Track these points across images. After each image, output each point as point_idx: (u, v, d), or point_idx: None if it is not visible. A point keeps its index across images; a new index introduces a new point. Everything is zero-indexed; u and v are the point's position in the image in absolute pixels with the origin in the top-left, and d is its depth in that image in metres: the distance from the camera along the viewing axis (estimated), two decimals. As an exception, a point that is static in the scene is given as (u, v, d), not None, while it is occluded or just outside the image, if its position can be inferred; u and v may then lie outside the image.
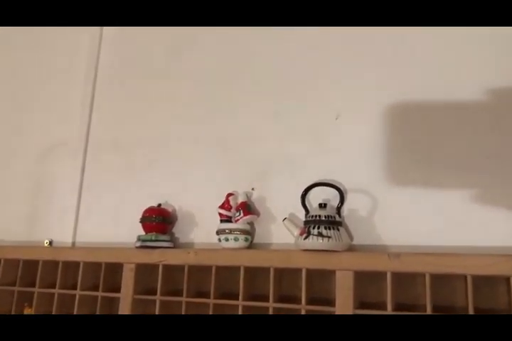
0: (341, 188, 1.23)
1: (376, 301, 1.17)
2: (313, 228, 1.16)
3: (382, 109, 1.31)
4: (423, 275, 1.08)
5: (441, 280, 1.11)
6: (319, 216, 1.18)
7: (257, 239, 1.37)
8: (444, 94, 1.25)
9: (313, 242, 1.14)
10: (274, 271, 1.21)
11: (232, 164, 1.47)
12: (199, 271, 1.36)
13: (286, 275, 1.28)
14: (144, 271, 1.40)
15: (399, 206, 1.23)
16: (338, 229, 1.16)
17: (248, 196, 1.39)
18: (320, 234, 1.14)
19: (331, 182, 1.23)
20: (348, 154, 1.32)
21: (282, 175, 1.39)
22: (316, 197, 1.29)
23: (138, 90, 1.71)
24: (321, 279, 1.24)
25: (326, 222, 1.16)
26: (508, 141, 1.16)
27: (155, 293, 1.34)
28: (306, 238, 1.15)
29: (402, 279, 1.15)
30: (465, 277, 1.06)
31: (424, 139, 1.24)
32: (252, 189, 1.42)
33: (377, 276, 1.17)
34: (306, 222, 1.20)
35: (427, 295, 1.05)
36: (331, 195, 1.28)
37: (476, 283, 1.04)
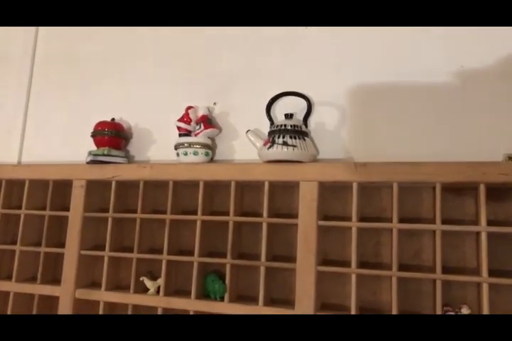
0: (309, 98, 1.16)
1: (341, 214, 1.15)
2: (278, 137, 1.09)
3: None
4: (390, 185, 1.05)
5: (407, 191, 1.08)
6: (285, 125, 1.11)
7: (218, 156, 1.30)
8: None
9: (278, 151, 1.08)
10: (235, 185, 1.16)
11: (192, 78, 1.37)
12: (155, 188, 1.29)
13: (247, 191, 1.23)
14: (95, 189, 1.32)
15: (365, 119, 1.18)
16: (304, 140, 1.10)
17: (210, 110, 1.31)
18: (285, 143, 1.08)
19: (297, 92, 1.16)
20: (315, 65, 1.25)
21: (246, 89, 1.31)
22: (282, 110, 1.22)
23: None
24: (284, 193, 1.20)
25: (291, 131, 1.10)
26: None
27: (107, 212, 1.28)
28: (270, 147, 1.09)
29: (368, 190, 1.13)
30: (433, 187, 1.04)
31: (394, 51, 1.19)
32: (214, 103, 1.33)
33: (343, 188, 1.14)
34: (270, 133, 1.13)
35: (394, 206, 1.03)
36: (297, 108, 1.21)
37: (443, 194, 1.02)
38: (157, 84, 1.40)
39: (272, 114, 1.21)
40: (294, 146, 1.07)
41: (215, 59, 1.35)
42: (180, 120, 1.28)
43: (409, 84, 1.16)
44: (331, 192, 1.15)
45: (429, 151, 1.11)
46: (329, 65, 1.23)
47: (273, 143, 1.09)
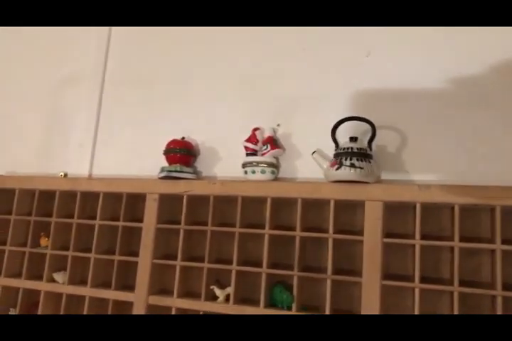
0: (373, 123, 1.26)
1: (403, 232, 1.24)
2: (346, 159, 1.20)
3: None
4: (451, 206, 1.15)
5: (467, 213, 1.17)
6: (351, 148, 1.22)
7: (282, 174, 1.41)
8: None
9: (346, 173, 1.18)
10: (301, 202, 1.26)
11: (256, 100, 1.49)
12: (224, 203, 1.40)
13: (312, 208, 1.33)
14: (168, 203, 1.44)
15: (424, 143, 1.28)
16: (370, 162, 1.21)
17: (275, 131, 1.42)
18: (352, 165, 1.18)
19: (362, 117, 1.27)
20: (375, 91, 1.36)
21: (308, 111, 1.42)
22: (343, 134, 1.32)
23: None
24: (348, 212, 1.30)
25: (358, 154, 1.20)
26: None
27: (178, 224, 1.39)
28: (337, 169, 1.20)
29: (430, 211, 1.22)
30: (492, 209, 1.13)
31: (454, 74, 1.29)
32: (278, 125, 1.44)
33: (406, 208, 1.24)
34: (337, 154, 1.24)
35: (456, 226, 1.12)
36: (358, 132, 1.32)
37: (502, 215, 1.11)
38: (224, 105, 1.53)
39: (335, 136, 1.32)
40: (361, 168, 1.18)
41: (280, 82, 1.47)
42: (248, 140, 1.40)
43: (467, 108, 1.26)
44: (393, 212, 1.24)
45: (488, 173, 1.21)
46: (388, 89, 1.34)
47: (341, 164, 1.20)
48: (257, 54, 1.52)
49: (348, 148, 1.22)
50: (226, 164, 1.50)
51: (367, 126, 1.29)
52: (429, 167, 1.26)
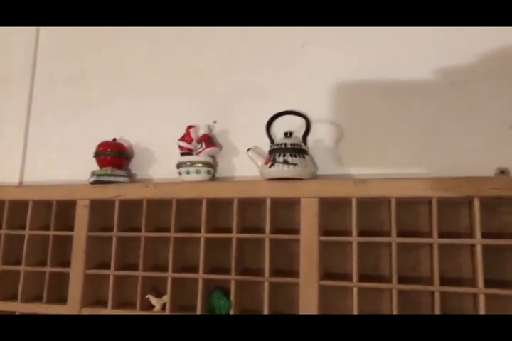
0: (307, 117, 1.24)
1: (341, 229, 1.22)
2: (279, 156, 1.17)
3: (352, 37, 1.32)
4: (388, 200, 1.13)
5: (405, 205, 1.16)
6: (285, 144, 1.19)
7: (220, 173, 1.37)
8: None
9: (279, 170, 1.15)
10: (237, 203, 1.23)
11: (192, 97, 1.45)
12: (158, 206, 1.35)
13: (249, 208, 1.30)
14: (99, 209, 1.38)
15: (364, 137, 1.26)
16: (304, 157, 1.18)
17: (210, 128, 1.38)
18: (286, 162, 1.15)
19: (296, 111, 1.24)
20: (314, 85, 1.33)
21: (245, 107, 1.39)
22: (280, 128, 1.29)
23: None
24: (285, 209, 1.27)
25: (291, 149, 1.17)
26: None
27: (111, 231, 1.33)
28: (271, 166, 1.16)
29: (367, 205, 1.20)
30: (429, 201, 1.11)
31: (389, 67, 1.27)
32: (214, 122, 1.40)
33: (342, 204, 1.21)
34: (271, 151, 1.20)
35: (392, 221, 1.10)
36: (295, 127, 1.28)
37: (440, 207, 1.09)
38: (157, 103, 1.48)
39: (271, 132, 1.28)
40: (295, 164, 1.14)
41: (215, 78, 1.43)
42: (182, 139, 1.35)
43: (402, 100, 1.24)
44: (330, 208, 1.22)
45: (424, 166, 1.19)
46: (325, 83, 1.31)
47: (274, 161, 1.16)
48: (189, 50, 1.48)
49: (281, 144, 1.19)
50: (162, 166, 1.44)
51: (303, 120, 1.28)
52: (367, 161, 1.24)
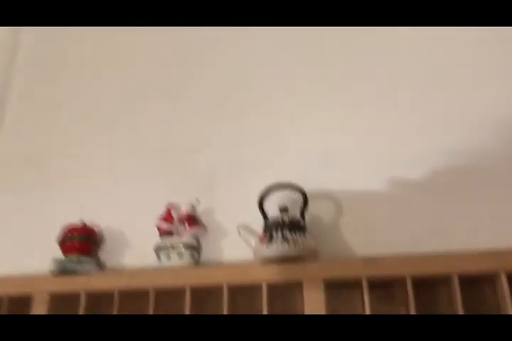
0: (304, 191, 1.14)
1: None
2: (276, 232, 1.05)
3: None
4: (403, 280, 1.00)
5: (421, 288, 1.03)
6: (282, 219, 1.07)
7: (205, 258, 1.22)
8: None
9: (278, 248, 1.02)
10: (228, 290, 1.07)
11: (170, 175, 1.35)
12: (134, 299, 1.16)
13: (242, 295, 1.13)
14: (62, 305, 1.18)
15: (366, 213, 1.17)
16: (304, 235, 1.06)
17: (193, 206, 1.26)
18: (285, 239, 1.03)
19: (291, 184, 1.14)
20: (303, 157, 1.27)
21: (231, 183, 1.29)
22: (271, 204, 1.17)
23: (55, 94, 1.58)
24: (284, 297, 1.11)
25: (290, 225, 1.06)
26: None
27: (75, 331, 1.12)
28: (268, 244, 1.03)
29: (379, 287, 1.06)
30: (449, 278, 0.99)
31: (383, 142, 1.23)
32: (197, 200, 1.28)
33: (351, 286, 1.07)
34: (266, 228, 1.08)
35: (410, 301, 0.97)
36: (288, 200, 1.17)
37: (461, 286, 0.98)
38: (131, 182, 1.36)
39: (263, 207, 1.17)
40: (295, 242, 1.02)
41: (196, 153, 1.35)
42: (161, 219, 1.21)
43: (408, 170, 1.18)
44: (337, 294, 1.07)
45: (436, 241, 1.09)
46: (318, 155, 1.25)
47: (271, 238, 1.04)
48: (167, 125, 1.41)
49: (277, 219, 1.08)
50: (137, 252, 1.28)
51: (297, 194, 1.18)
52: (371, 238, 1.14)
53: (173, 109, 1.42)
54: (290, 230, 1.04)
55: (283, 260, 1.03)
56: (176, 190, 1.31)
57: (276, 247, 1.02)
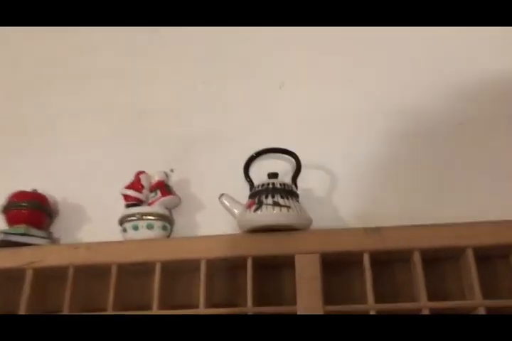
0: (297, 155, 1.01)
1: (350, 295, 0.93)
2: (267, 197, 0.90)
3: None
4: (407, 258, 0.88)
5: (428, 265, 0.90)
6: (273, 183, 0.93)
7: (177, 234, 1.06)
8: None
9: (268, 214, 0.88)
10: (206, 266, 0.91)
11: (141, 142, 1.19)
12: (93, 276, 0.99)
13: (221, 273, 0.98)
14: (6, 281, 1.00)
15: (363, 183, 1.05)
16: (298, 202, 0.93)
17: (167, 175, 1.10)
18: (276, 204, 0.89)
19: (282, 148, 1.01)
20: (290, 125, 1.14)
21: (208, 153, 1.14)
22: (257, 174, 1.04)
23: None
24: (272, 275, 0.97)
25: (282, 190, 0.92)
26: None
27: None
28: (256, 209, 0.89)
29: (383, 263, 0.93)
30: (463, 250, 0.87)
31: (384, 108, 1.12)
32: (171, 170, 1.13)
33: (350, 261, 0.94)
34: (253, 194, 0.94)
35: (419, 280, 0.84)
36: (277, 170, 1.03)
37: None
38: (96, 149, 1.19)
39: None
40: (288, 207, 0.88)
41: (171, 119, 1.20)
42: (129, 187, 1.05)
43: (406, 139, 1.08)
44: (335, 267, 0.94)
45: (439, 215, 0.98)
46: (307, 122, 1.13)
47: (260, 204, 0.89)
48: (138, 86, 1.26)
49: (268, 184, 0.93)
50: (98, 227, 1.10)
51: (287, 165, 1.06)
52: (369, 211, 1.02)
53: (147, 69, 1.27)
54: (282, 195, 0.91)
55: (274, 228, 0.89)
56: (147, 159, 1.15)
57: (267, 213, 0.87)
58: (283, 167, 1.05)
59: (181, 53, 1.27)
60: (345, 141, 1.09)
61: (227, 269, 0.97)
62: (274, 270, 0.97)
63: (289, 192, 0.92)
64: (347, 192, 1.03)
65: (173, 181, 1.11)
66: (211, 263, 0.92)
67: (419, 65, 1.15)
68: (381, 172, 1.04)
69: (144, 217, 0.99)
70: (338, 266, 0.95)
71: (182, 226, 1.07)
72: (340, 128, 1.10)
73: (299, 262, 0.88)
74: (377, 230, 0.88)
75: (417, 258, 0.86)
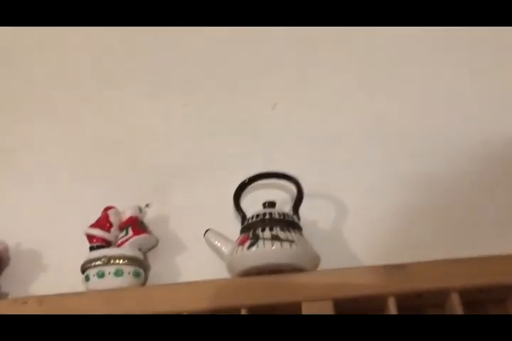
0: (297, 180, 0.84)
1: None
2: (263, 230, 0.73)
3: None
4: (445, 294, 0.70)
5: (472, 308, 0.73)
6: (270, 214, 0.77)
7: (154, 282, 0.87)
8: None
9: (266, 251, 0.70)
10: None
11: (110, 176, 1.02)
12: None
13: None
14: None
15: (376, 212, 0.88)
16: (302, 235, 0.76)
17: (142, 210, 0.93)
18: (276, 238, 0.72)
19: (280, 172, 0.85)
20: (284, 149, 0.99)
21: (189, 185, 0.97)
22: (250, 208, 0.88)
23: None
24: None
25: (282, 221, 0.75)
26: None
27: None
28: (251, 245, 0.71)
29: (413, 310, 0.75)
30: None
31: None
32: (146, 205, 0.96)
33: (370, 309, 0.75)
34: (247, 227, 0.76)
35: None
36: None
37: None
38: (54, 185, 1.02)
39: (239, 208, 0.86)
40: (291, 242, 0.71)
41: (148, 148, 1.04)
42: (95, 225, 0.87)
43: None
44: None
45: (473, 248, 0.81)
46: (308, 143, 0.98)
47: (256, 239, 0.72)
48: (107, 113, 1.12)
49: (265, 214, 0.77)
50: (58, 278, 0.90)
51: (284, 194, 0.90)
52: (387, 245, 0.84)
53: (117, 96, 1.13)
54: (282, 228, 0.74)
55: (273, 269, 0.72)
56: (116, 196, 0.98)
57: (265, 249, 0.70)
58: (280, 197, 0.88)
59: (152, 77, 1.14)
60: (351, 163, 0.94)
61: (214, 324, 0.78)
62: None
63: (290, 223, 0.75)
64: (358, 223, 0.85)
65: (148, 219, 0.94)
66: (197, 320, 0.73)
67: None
68: (398, 196, 0.88)
69: (112, 261, 0.80)
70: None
71: (159, 273, 0.87)
72: (344, 151, 0.96)
73: (307, 311, 0.70)
74: (402, 268, 0.71)
75: (455, 300, 0.69)
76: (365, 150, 0.95)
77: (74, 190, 1.00)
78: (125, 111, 1.10)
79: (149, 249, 0.89)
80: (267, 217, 0.75)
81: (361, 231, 0.85)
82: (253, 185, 0.86)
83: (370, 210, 0.87)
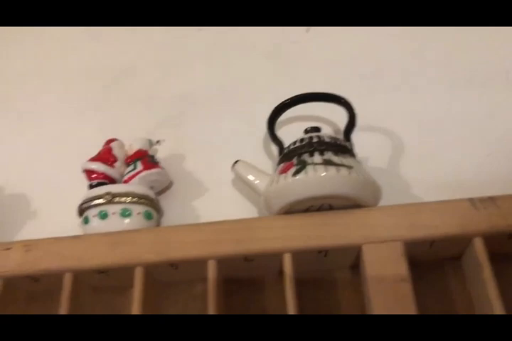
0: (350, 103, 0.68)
1: (451, 307, 0.59)
2: (311, 155, 0.58)
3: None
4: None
5: None
6: (318, 137, 0.61)
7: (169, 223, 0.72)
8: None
9: (317, 177, 0.54)
10: (216, 266, 0.57)
11: (116, 107, 0.87)
12: (32, 294, 0.64)
13: (240, 286, 0.63)
14: None
15: (434, 145, 0.72)
16: (359, 163, 0.60)
17: (152, 143, 0.77)
18: (329, 162, 0.56)
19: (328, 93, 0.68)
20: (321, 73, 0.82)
21: (212, 116, 0.82)
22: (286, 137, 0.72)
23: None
24: (321, 284, 0.63)
25: (334, 145, 0.59)
26: None
27: None
28: (297, 172, 0.56)
29: (508, 255, 0.60)
30: None
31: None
32: (157, 142, 0.81)
33: (450, 253, 0.60)
34: (288, 155, 0.60)
35: None
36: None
37: None
38: (52, 119, 0.86)
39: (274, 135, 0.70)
40: (349, 167, 0.56)
41: (164, 74, 0.89)
42: (95, 159, 0.71)
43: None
44: (421, 269, 0.60)
45: None
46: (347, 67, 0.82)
47: (303, 164, 0.57)
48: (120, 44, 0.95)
49: (311, 138, 0.61)
50: (50, 224, 0.76)
51: (328, 124, 0.74)
52: (449, 181, 0.69)
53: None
54: (335, 152, 0.58)
55: (323, 204, 0.56)
56: (120, 130, 0.83)
57: (316, 176, 0.54)
58: (323, 127, 0.73)
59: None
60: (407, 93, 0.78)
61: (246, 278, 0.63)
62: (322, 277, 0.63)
63: (344, 148, 0.60)
64: (418, 158, 0.70)
65: (159, 157, 0.78)
66: (222, 264, 0.58)
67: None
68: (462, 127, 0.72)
69: (117, 199, 0.65)
70: (431, 263, 0.61)
71: (173, 217, 0.72)
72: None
73: (370, 255, 0.55)
74: (492, 200, 0.56)
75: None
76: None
77: (68, 125, 0.85)
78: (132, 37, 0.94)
79: (161, 191, 0.73)
80: (315, 140, 0.60)
81: (421, 165, 0.70)
82: (284, 117, 0.70)
83: (428, 144, 0.72)
